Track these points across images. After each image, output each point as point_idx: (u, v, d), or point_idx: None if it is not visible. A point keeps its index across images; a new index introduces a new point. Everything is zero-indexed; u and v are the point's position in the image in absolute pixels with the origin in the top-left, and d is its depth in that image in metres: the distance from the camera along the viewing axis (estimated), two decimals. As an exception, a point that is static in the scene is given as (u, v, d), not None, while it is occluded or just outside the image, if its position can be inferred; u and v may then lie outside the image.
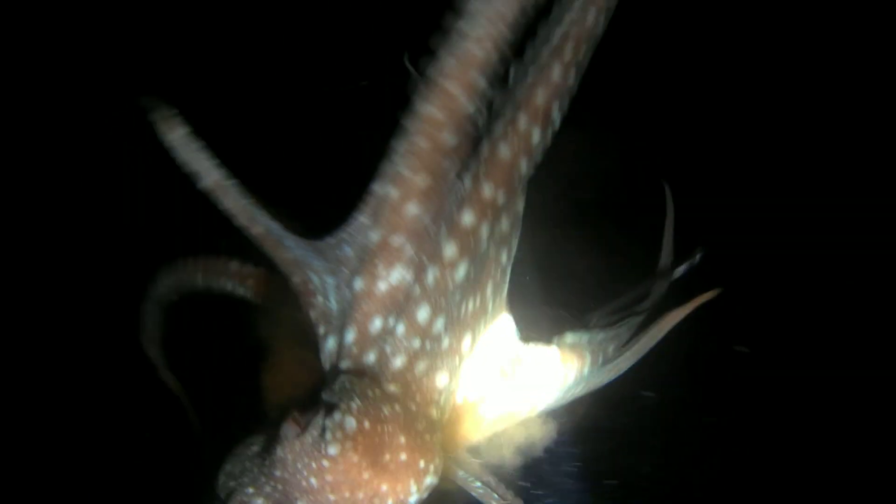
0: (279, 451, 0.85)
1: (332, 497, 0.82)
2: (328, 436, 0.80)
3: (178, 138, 1.05)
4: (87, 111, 1.83)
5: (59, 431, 1.60)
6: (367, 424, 0.82)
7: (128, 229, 1.79)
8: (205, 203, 1.84)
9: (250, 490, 0.87)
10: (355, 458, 0.80)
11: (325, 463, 0.81)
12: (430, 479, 0.86)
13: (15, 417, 1.56)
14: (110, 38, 1.84)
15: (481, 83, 0.88)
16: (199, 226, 1.84)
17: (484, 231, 0.95)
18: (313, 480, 0.82)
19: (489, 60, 0.87)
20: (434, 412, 0.93)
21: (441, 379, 0.93)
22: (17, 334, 1.64)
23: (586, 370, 1.08)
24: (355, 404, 0.83)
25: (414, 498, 0.86)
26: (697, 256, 1.41)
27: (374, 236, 0.95)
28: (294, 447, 0.84)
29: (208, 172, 1.05)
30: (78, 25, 1.81)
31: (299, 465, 0.83)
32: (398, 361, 0.91)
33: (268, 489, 0.86)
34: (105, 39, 1.83)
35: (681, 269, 1.38)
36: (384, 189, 0.96)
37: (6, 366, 1.61)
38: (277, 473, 0.85)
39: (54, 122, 1.81)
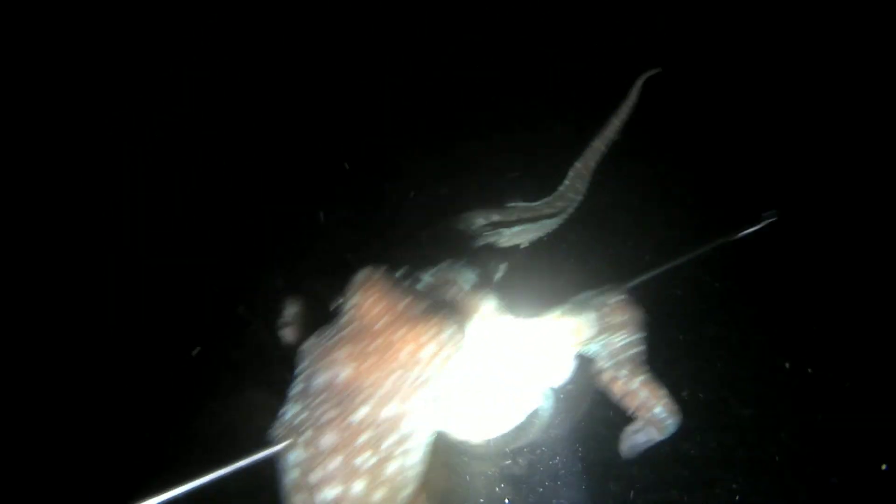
0: None
1: None
2: None
3: None
4: (88, 111, 1.83)
5: (59, 431, 1.60)
6: None
7: (128, 229, 1.79)
8: (203, 203, 1.85)
9: None
10: None
11: None
12: None
13: (15, 417, 1.56)
14: (110, 37, 1.84)
15: None
16: (199, 225, 1.85)
17: None
18: None
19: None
20: None
21: None
22: (17, 334, 1.64)
23: None
24: None
25: None
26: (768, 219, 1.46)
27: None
28: None
29: None
30: (78, 25, 1.81)
31: None
32: None
33: None
34: (105, 39, 1.83)
35: (751, 230, 1.43)
36: None
37: (6, 366, 1.61)
38: None
39: (55, 121, 1.81)
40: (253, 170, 1.88)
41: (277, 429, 1.00)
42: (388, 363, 0.96)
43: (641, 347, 1.25)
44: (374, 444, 0.94)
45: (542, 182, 1.71)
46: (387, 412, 0.96)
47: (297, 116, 1.98)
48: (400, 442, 0.96)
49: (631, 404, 1.25)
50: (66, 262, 1.72)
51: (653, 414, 1.23)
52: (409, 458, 0.97)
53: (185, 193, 1.82)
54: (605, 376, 1.25)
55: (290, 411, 1.00)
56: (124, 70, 1.87)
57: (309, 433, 0.96)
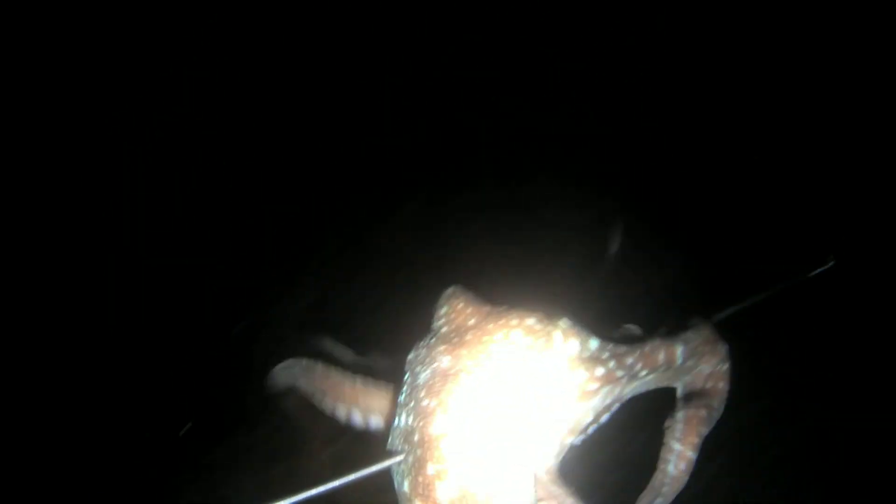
0: None
1: None
2: None
3: None
4: (88, 111, 1.83)
5: (59, 431, 1.60)
6: None
7: (128, 229, 1.79)
8: (201, 202, 1.85)
9: None
10: None
11: None
12: None
13: (15, 417, 1.56)
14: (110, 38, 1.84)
15: None
16: (199, 225, 1.85)
17: None
18: None
19: None
20: None
21: None
22: (17, 334, 1.65)
23: None
24: None
25: None
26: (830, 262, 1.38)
27: None
28: None
29: None
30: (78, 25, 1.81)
31: None
32: None
33: None
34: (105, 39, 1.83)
35: (813, 273, 1.34)
36: None
37: (7, 366, 1.61)
38: None
39: (54, 122, 1.81)
40: (253, 170, 1.88)
41: (391, 438, 1.01)
42: (484, 345, 1.00)
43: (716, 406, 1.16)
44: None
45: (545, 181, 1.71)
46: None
47: (297, 116, 1.98)
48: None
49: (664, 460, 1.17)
50: (66, 262, 1.72)
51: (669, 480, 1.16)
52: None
53: (185, 193, 1.82)
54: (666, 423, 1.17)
55: (400, 419, 1.01)
56: (124, 70, 1.87)
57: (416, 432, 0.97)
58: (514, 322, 1.02)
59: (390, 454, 1.00)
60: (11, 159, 1.75)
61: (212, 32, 1.91)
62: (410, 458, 0.97)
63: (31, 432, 1.58)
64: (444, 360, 1.00)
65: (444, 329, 1.06)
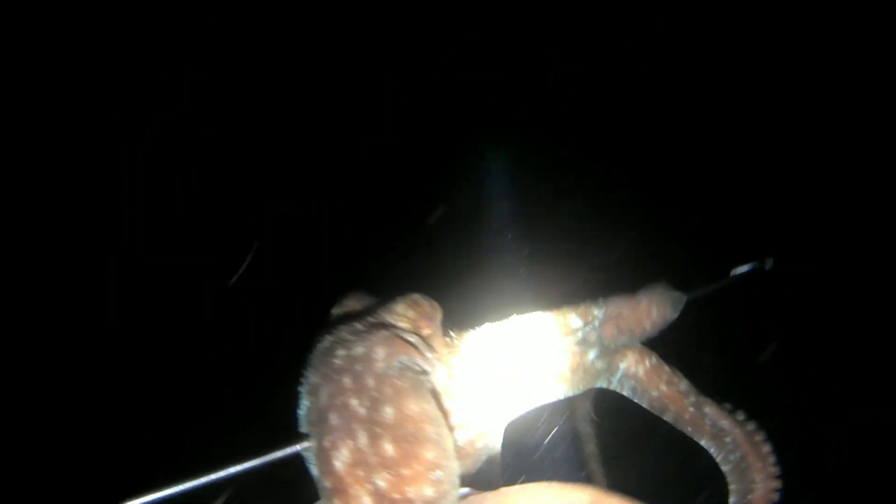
0: None
1: None
2: None
3: None
4: (88, 111, 1.83)
5: (58, 431, 1.60)
6: None
7: (128, 229, 1.79)
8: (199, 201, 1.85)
9: None
10: None
11: None
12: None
13: (15, 417, 1.56)
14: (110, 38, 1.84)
15: None
16: (199, 225, 1.85)
17: None
18: None
19: None
20: None
21: None
22: (17, 334, 1.64)
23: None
24: None
25: None
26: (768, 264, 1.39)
27: None
28: None
29: None
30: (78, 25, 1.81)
31: None
32: None
33: None
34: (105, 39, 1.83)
35: (744, 270, 1.33)
36: None
37: (6, 365, 1.61)
38: None
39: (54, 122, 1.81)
40: (253, 170, 1.88)
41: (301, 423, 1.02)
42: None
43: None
44: None
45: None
46: None
47: (297, 116, 1.98)
48: None
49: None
50: (66, 262, 1.72)
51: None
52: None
53: (185, 193, 1.82)
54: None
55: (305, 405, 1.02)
56: (124, 70, 1.87)
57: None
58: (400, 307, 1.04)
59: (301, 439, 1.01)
60: (11, 159, 1.75)
61: (212, 32, 1.91)
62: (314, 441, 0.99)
63: (31, 432, 1.57)
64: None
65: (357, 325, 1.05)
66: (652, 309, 1.17)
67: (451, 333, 1.15)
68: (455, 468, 1.01)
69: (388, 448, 0.96)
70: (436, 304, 1.12)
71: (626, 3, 2.04)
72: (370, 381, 0.99)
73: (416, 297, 1.10)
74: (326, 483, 0.98)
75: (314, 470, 0.98)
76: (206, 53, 1.92)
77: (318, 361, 1.02)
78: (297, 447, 1.01)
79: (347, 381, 1.00)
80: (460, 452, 1.10)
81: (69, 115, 1.83)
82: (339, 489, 0.96)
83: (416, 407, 0.99)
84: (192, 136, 1.87)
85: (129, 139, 1.83)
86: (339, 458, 0.96)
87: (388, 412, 0.97)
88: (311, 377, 1.02)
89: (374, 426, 0.96)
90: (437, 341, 1.11)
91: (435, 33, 2.04)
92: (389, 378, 0.99)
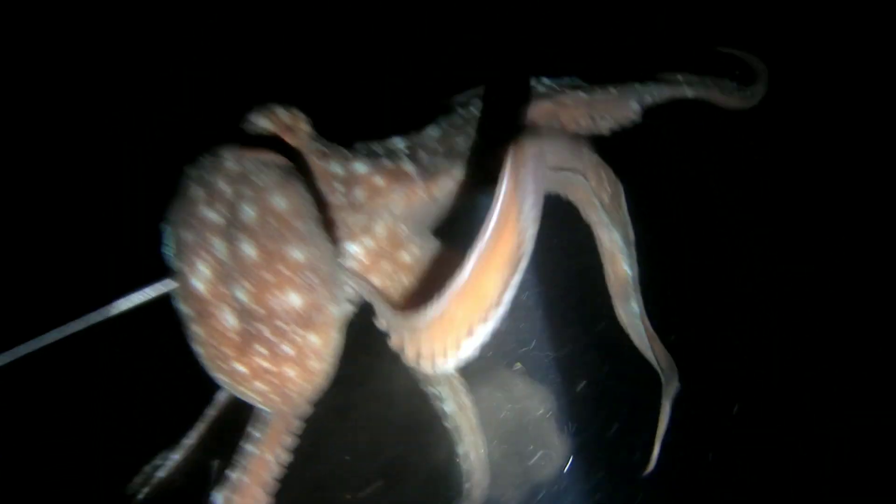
0: None
1: None
2: None
3: None
4: (87, 111, 1.83)
5: (59, 430, 1.60)
6: None
7: (128, 229, 1.79)
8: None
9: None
10: None
11: None
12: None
13: (15, 416, 1.57)
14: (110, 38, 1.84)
15: None
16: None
17: None
18: None
19: None
20: None
21: None
22: (17, 334, 1.64)
23: None
24: None
25: None
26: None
27: None
28: None
29: None
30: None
31: None
32: None
33: None
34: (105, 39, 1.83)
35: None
36: None
37: (6, 365, 1.61)
38: None
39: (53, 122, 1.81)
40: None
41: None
42: None
43: None
44: None
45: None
46: None
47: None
48: None
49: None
50: (66, 263, 1.72)
51: None
52: None
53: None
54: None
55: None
56: (124, 70, 1.87)
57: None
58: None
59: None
60: (11, 160, 1.75)
61: (212, 32, 1.91)
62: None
63: (31, 431, 1.58)
64: None
65: None
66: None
67: (326, 147, 1.03)
68: (334, 277, 0.87)
69: (248, 251, 0.83)
70: (300, 113, 1.01)
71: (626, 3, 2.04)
72: (222, 186, 0.87)
73: (272, 105, 1.00)
74: (189, 311, 0.87)
75: (179, 306, 0.89)
76: (206, 53, 1.93)
77: (176, 195, 0.93)
78: (158, 286, 0.93)
79: (199, 192, 0.88)
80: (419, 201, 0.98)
81: (69, 116, 1.83)
82: (201, 313, 0.85)
83: (282, 201, 0.85)
84: (192, 136, 1.87)
85: (129, 139, 1.83)
86: (197, 276, 0.86)
87: (249, 212, 0.84)
88: (170, 210, 0.93)
89: (233, 230, 0.84)
90: (308, 157, 0.99)
91: (434, 33, 2.04)
92: (246, 176, 0.87)
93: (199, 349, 0.87)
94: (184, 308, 0.88)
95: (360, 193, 1.00)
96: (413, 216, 1.02)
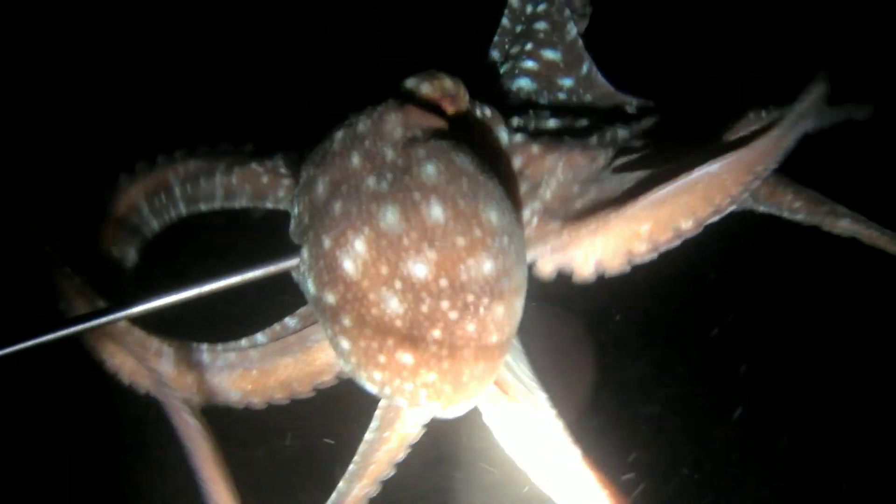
0: None
1: None
2: None
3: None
4: (87, 111, 1.83)
5: (58, 430, 1.60)
6: None
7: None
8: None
9: None
10: None
11: None
12: None
13: (13, 415, 1.57)
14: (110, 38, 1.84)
15: None
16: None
17: None
18: None
19: None
20: None
21: None
22: (16, 333, 1.64)
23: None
24: None
25: None
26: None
27: None
28: None
29: None
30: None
31: None
32: None
33: None
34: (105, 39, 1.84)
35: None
36: None
37: (6, 364, 1.61)
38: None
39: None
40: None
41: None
42: None
43: None
44: None
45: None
46: None
47: (297, 117, 1.98)
48: None
49: None
50: (66, 262, 1.72)
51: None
52: None
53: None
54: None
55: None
56: (124, 70, 1.87)
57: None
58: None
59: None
60: (11, 160, 1.76)
61: (212, 32, 1.91)
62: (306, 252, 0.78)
63: (30, 431, 1.58)
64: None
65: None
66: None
67: (487, 111, 0.92)
68: (521, 237, 0.78)
69: (436, 213, 0.72)
70: (459, 80, 0.90)
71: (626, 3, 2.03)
72: (388, 153, 0.77)
73: (434, 70, 0.91)
74: (333, 299, 0.74)
75: (311, 289, 0.77)
76: (206, 53, 1.93)
77: (315, 152, 0.83)
78: (284, 264, 0.79)
79: (355, 161, 0.78)
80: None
81: (69, 116, 1.83)
82: (354, 300, 0.72)
83: (465, 160, 0.75)
84: (191, 136, 1.87)
85: (129, 139, 1.84)
86: (349, 255, 0.73)
87: (431, 170, 0.74)
88: (305, 172, 0.82)
89: (410, 192, 0.73)
90: (471, 124, 0.90)
91: (435, 33, 2.04)
92: (418, 142, 0.77)
93: (344, 344, 0.74)
94: (321, 294, 0.76)
95: (518, 161, 0.92)
96: (581, 178, 0.92)
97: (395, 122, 0.80)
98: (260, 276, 0.80)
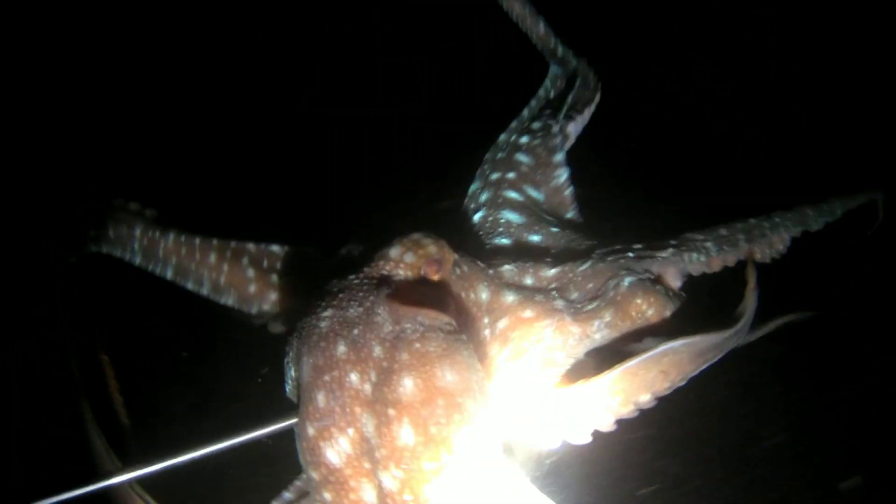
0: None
1: None
2: None
3: None
4: (87, 111, 1.84)
5: (58, 430, 1.60)
6: None
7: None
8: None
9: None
10: None
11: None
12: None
13: (13, 415, 1.57)
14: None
15: None
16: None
17: None
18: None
19: None
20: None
21: None
22: (17, 333, 1.65)
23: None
24: None
25: None
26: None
27: None
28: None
29: None
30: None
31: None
32: None
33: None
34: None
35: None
36: None
37: (6, 364, 1.62)
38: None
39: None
40: (253, 170, 1.88)
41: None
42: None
43: None
44: None
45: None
46: None
47: (297, 117, 1.98)
48: None
49: None
50: (66, 262, 1.72)
51: None
52: None
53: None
54: None
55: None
56: (124, 70, 1.88)
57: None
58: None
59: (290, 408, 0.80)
60: (10, 160, 1.76)
61: (212, 32, 1.92)
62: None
63: (30, 431, 1.58)
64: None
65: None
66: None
67: (465, 270, 0.91)
68: (497, 450, 0.77)
69: (406, 437, 0.72)
70: (443, 243, 0.88)
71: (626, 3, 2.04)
72: (376, 349, 0.76)
73: (418, 236, 0.88)
74: (318, 476, 0.76)
75: (301, 455, 0.78)
76: (205, 53, 1.93)
77: (303, 326, 0.80)
78: (284, 424, 0.80)
79: (341, 348, 0.77)
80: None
81: (69, 116, 1.83)
82: (335, 483, 0.75)
83: (451, 376, 0.73)
84: (191, 136, 1.88)
85: (129, 139, 1.84)
86: (334, 448, 0.74)
87: (408, 386, 0.73)
88: (295, 343, 0.81)
89: (387, 406, 0.73)
90: (454, 289, 0.88)
91: (434, 34, 2.05)
92: (403, 343, 0.76)
93: None
94: (310, 469, 0.77)
95: (504, 323, 0.91)
96: (568, 348, 0.94)
97: (384, 317, 0.79)
98: (264, 434, 0.84)
